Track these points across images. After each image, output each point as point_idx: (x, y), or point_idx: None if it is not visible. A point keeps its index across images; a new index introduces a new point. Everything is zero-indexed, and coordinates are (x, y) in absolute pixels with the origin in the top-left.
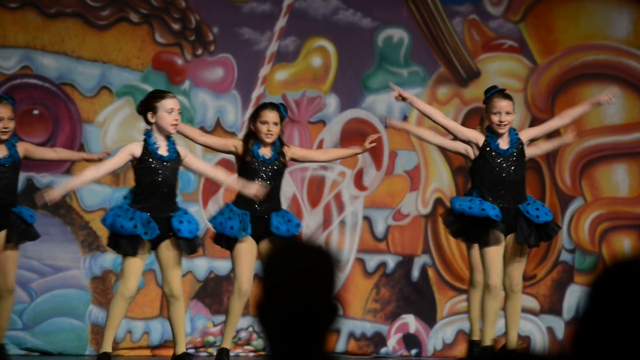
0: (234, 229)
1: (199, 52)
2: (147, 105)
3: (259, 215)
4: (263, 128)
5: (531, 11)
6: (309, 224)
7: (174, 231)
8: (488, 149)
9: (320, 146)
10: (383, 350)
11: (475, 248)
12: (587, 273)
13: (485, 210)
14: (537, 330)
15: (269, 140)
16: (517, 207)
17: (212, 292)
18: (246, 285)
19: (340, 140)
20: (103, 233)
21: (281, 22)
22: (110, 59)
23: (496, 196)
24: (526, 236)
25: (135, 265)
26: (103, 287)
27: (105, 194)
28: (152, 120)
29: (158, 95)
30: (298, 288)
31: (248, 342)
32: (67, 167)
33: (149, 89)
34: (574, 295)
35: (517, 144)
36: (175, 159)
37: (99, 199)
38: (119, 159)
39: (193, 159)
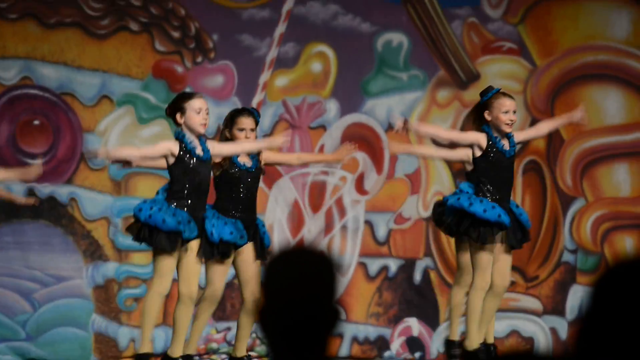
0: (233, 235)
1: (199, 59)
2: (175, 106)
3: (247, 223)
4: (241, 135)
5: (530, 13)
6: (311, 229)
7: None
8: (495, 149)
9: (321, 151)
10: (387, 353)
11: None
12: (590, 273)
13: (501, 217)
14: (541, 331)
15: None
16: (510, 207)
17: None
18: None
19: (341, 145)
20: (105, 242)
21: (280, 28)
22: (110, 68)
23: (499, 196)
24: (518, 240)
25: (171, 264)
26: (106, 296)
27: (107, 203)
28: (180, 120)
29: (186, 96)
30: (301, 293)
31: (252, 349)
32: (67, 177)
33: (150, 97)
34: (576, 296)
35: (515, 146)
36: (210, 158)
37: (101, 208)
38: (156, 149)
39: (216, 146)
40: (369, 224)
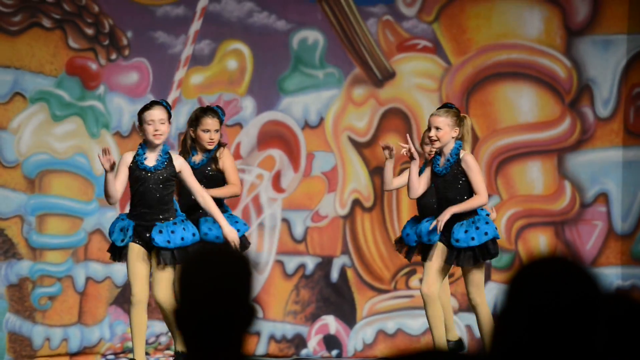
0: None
1: (114, 56)
2: (138, 118)
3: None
4: (205, 136)
5: (444, 11)
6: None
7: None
8: (432, 167)
9: (237, 149)
10: (304, 351)
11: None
12: (504, 271)
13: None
14: (456, 329)
15: (211, 147)
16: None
17: None
18: None
19: (257, 142)
20: (19, 240)
21: (195, 26)
22: (23, 65)
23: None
24: (451, 258)
25: (135, 271)
26: (20, 295)
27: (20, 201)
28: (140, 132)
29: (145, 107)
30: (217, 291)
31: (168, 347)
32: None
33: (63, 94)
34: (491, 293)
35: (451, 165)
36: (162, 169)
37: (14, 205)
38: (119, 171)
39: (187, 175)
40: (286, 222)
